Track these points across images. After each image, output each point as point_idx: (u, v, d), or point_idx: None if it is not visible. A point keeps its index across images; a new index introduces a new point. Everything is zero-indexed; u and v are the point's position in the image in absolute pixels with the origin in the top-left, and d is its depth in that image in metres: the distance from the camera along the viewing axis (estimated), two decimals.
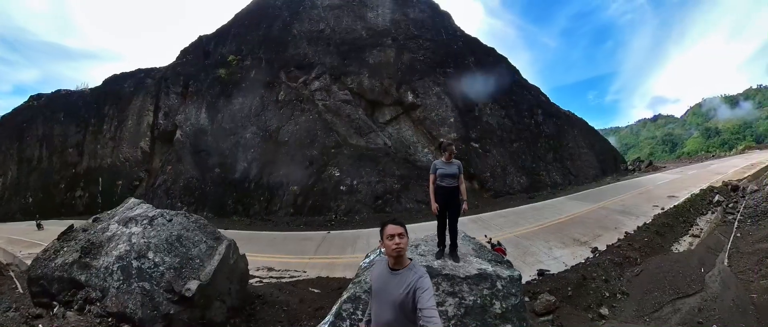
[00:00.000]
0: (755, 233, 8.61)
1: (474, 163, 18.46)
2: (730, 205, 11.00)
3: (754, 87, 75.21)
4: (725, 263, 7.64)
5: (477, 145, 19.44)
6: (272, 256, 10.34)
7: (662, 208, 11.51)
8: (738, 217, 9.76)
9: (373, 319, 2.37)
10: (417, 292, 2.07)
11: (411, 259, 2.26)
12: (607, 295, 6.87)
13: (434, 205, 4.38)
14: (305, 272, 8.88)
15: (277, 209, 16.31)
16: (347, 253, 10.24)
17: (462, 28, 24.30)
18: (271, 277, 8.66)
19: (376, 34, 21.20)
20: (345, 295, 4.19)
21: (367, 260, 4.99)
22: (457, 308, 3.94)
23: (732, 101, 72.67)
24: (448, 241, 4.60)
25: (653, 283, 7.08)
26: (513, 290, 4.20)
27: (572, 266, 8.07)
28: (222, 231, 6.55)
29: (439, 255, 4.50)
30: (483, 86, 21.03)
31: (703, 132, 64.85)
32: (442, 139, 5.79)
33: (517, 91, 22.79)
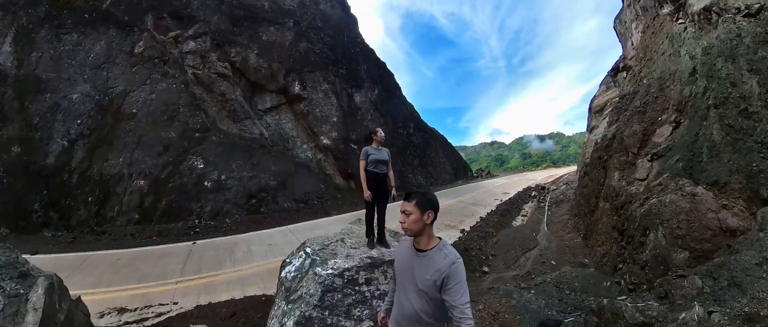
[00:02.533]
0: (558, 211, 12.57)
1: (352, 163, 18.83)
2: (541, 198, 15.67)
3: (555, 132, 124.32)
4: (546, 229, 10.80)
5: (355, 147, 20.09)
6: (121, 288, 7.02)
7: (501, 201, 15.33)
8: (547, 204, 14.07)
9: (394, 308, 2.06)
10: (448, 282, 1.79)
11: (440, 239, 1.97)
12: (484, 257, 8.66)
13: (367, 193, 4.20)
14: (176, 303, 6.30)
15: (115, 215, 11.53)
16: (227, 267, 8.02)
17: (363, 36, 25.19)
18: (128, 323, 5.72)
19: (279, 10, 19.21)
20: (290, 323, 3.31)
21: (291, 268, 4.05)
22: None
23: (541, 138, 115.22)
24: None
25: (508, 245, 9.41)
26: None
27: (452, 243, 9.39)
28: (29, 258, 4.15)
29: (371, 244, 4.36)
30: (369, 94, 22.23)
31: (521, 155, 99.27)
32: (371, 128, 5.75)
33: (396, 104, 25.14)
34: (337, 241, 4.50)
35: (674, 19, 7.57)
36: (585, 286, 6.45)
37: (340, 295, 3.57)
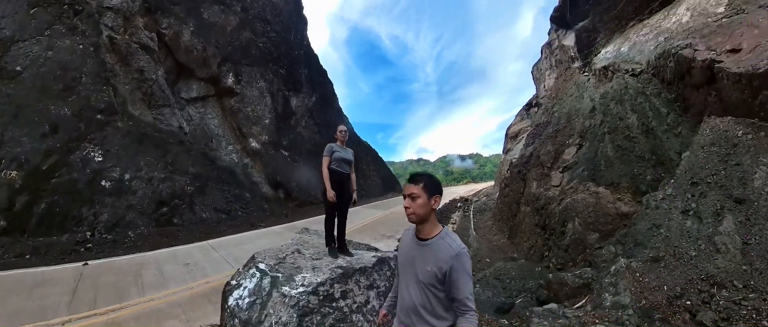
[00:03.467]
0: (482, 218, 14.27)
1: (282, 171, 17.96)
2: (466, 208, 17.49)
3: (475, 152, 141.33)
4: (474, 233, 12.13)
5: (287, 154, 19.26)
6: None
7: None
8: (471, 213, 15.63)
9: (398, 302, 1.89)
10: (451, 274, 1.65)
11: (443, 226, 1.82)
12: None
13: (331, 192, 3.73)
14: None
15: None
16: (134, 297, 6.02)
17: (310, 39, 24.68)
18: None
19: None
20: None
21: (242, 292, 3.26)
22: (378, 299, 3.51)
23: (463, 157, 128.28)
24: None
25: None
26: None
27: (395, 250, 9.68)
28: None
29: (333, 253, 3.89)
30: (306, 99, 21.82)
31: (445, 172, 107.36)
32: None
33: (332, 115, 25.18)
34: (292, 252, 3.88)
35: (581, 72, 10.00)
36: (521, 274, 7.60)
37: (318, 317, 2.92)
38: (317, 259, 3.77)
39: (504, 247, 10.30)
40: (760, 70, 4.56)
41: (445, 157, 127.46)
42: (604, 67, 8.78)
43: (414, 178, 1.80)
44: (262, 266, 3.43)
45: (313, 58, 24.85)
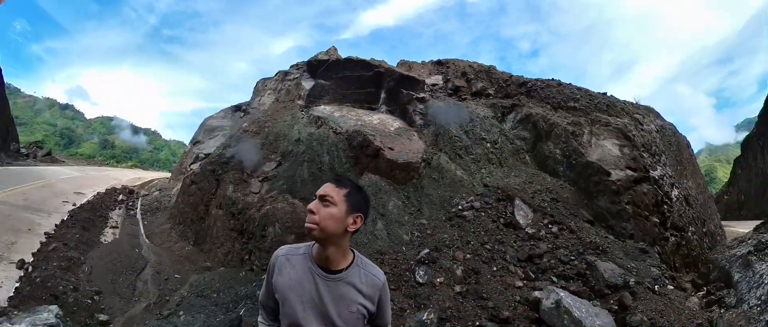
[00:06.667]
0: (155, 221, 11.82)
1: None
2: (130, 204, 13.32)
3: (153, 129, 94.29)
4: (148, 241, 10.07)
5: None
6: None
7: (74, 204, 11.34)
8: (139, 211, 12.40)
9: None
10: (381, 304, 1.41)
11: (353, 251, 1.42)
12: (89, 301, 6.17)
13: None
14: None
15: None
16: None
17: None
18: None
19: None
20: None
21: None
22: None
23: (136, 130, 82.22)
24: None
25: (112, 272, 7.60)
26: None
27: (15, 288, 5.72)
28: None
29: None
30: None
31: (102, 142, 67.95)
32: None
33: None
34: None
35: (301, 110, 12.00)
36: (226, 284, 7.28)
37: None
38: None
39: (191, 256, 9.35)
40: (400, 161, 8.57)
41: (110, 118, 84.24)
42: (318, 117, 11.29)
43: (339, 180, 1.37)
44: None
45: None
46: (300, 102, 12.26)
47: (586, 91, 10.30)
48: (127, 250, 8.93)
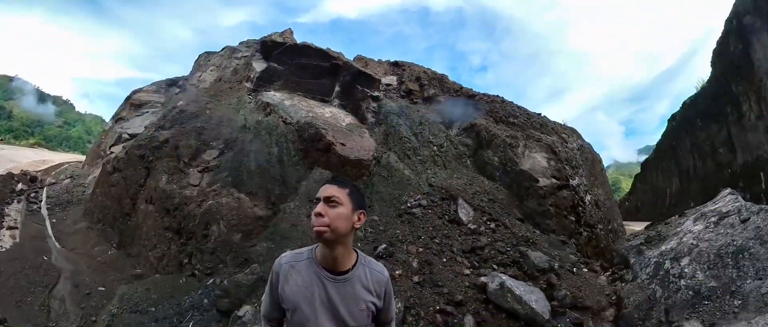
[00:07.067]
0: (67, 218, 10.06)
1: None
2: (32, 195, 11.04)
3: (66, 98, 76.02)
4: (58, 246, 8.62)
5: None
6: None
7: None
8: (44, 206, 10.42)
9: None
10: (386, 298, 1.47)
11: (356, 251, 1.46)
12: None
13: None
14: None
15: None
16: None
17: None
18: None
19: None
20: None
21: None
22: None
23: (43, 97, 64.60)
24: None
25: (14, 288, 6.46)
26: None
27: None
28: None
29: None
30: None
31: None
32: None
33: None
34: None
35: (249, 93, 11.27)
36: (165, 293, 6.60)
37: None
38: None
39: (116, 262, 8.14)
40: (352, 157, 8.82)
41: (11, 78, 65.01)
42: (268, 104, 10.68)
43: (339, 180, 1.40)
44: None
45: None
46: (248, 84, 11.55)
47: (525, 110, 11.62)
48: (31, 258, 7.50)
